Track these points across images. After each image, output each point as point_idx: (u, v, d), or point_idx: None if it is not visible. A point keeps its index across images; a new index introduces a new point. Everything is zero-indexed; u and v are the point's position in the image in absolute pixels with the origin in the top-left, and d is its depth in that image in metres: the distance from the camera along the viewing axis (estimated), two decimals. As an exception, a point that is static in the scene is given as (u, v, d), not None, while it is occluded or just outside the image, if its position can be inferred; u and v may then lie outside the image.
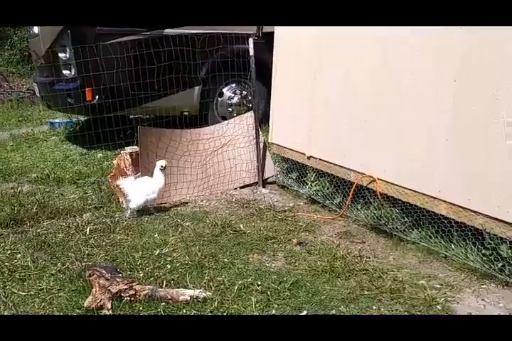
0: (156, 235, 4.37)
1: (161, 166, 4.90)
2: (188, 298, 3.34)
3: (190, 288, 3.48)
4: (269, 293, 3.47)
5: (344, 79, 4.67)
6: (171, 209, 5.04)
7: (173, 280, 3.62)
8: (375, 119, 4.37)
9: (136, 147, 5.21)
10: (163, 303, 3.28)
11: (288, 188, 5.62)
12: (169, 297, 3.33)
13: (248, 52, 5.66)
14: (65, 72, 6.91)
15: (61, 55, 6.86)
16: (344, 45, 4.64)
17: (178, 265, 3.85)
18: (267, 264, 3.95)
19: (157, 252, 4.04)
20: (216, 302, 3.32)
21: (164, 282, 3.57)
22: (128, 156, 5.12)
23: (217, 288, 3.51)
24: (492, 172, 3.53)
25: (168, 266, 3.80)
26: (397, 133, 4.18)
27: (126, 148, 5.28)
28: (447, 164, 3.81)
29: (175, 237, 4.32)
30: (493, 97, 3.46)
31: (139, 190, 4.79)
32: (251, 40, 5.62)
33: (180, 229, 4.50)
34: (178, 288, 3.49)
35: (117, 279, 3.37)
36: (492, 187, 3.53)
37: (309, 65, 5.06)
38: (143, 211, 4.88)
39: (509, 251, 3.48)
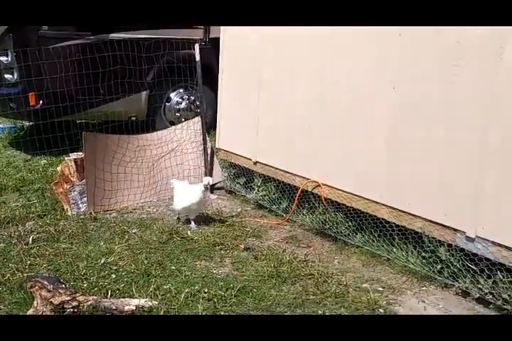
0: (102, 243, 4.27)
1: (205, 184, 4.83)
2: (134, 307, 3.26)
3: (136, 298, 3.40)
4: (215, 300, 3.43)
5: (288, 83, 4.69)
6: (117, 217, 4.93)
7: (118, 289, 3.53)
8: (317, 125, 4.40)
9: (81, 153, 5.07)
10: (108, 314, 3.19)
11: (236, 194, 5.59)
12: (114, 307, 3.25)
13: (195, 57, 5.61)
14: (7, 76, 6.65)
15: (2, 58, 6.61)
16: (287, 46, 4.66)
17: (123, 274, 3.76)
18: (214, 271, 3.91)
19: (102, 261, 3.93)
20: (162, 312, 3.26)
21: (109, 292, 3.47)
22: (72, 163, 4.97)
23: (163, 297, 3.45)
24: (429, 177, 3.61)
25: (114, 276, 3.71)
26: (340, 139, 4.23)
27: (70, 154, 5.13)
28: (387, 170, 3.88)
29: (121, 245, 4.22)
30: (429, 102, 3.55)
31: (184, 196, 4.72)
32: (197, 46, 5.57)
33: (126, 237, 4.40)
34: (124, 297, 3.41)
35: (60, 290, 3.26)
36: (430, 191, 3.61)
37: (253, 69, 5.06)
38: (87, 219, 4.76)
39: (447, 253, 3.57)
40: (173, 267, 3.90)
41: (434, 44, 3.50)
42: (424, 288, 3.68)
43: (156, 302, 3.36)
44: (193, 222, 4.68)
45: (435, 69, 3.51)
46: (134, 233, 4.50)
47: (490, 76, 3.22)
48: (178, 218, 4.85)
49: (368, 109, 3.98)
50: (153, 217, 4.93)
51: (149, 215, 5.01)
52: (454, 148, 3.44)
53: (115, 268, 3.84)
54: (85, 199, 4.96)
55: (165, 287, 3.58)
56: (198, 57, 5.55)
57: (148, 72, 6.99)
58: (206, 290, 3.53)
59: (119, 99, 6.75)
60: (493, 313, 3.36)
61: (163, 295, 3.47)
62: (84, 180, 4.94)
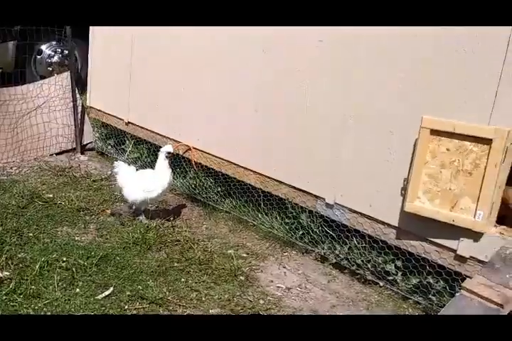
0: (-50, 209, 3.89)
1: (167, 153, 3.91)
2: (-19, 279, 3.01)
3: (-14, 269, 3.14)
4: (74, 269, 3.26)
5: (160, 39, 4.44)
6: (-28, 179, 4.52)
7: (-37, 260, 3.24)
8: (190, 88, 4.24)
9: None
10: None
11: (107, 156, 5.34)
12: (-44, 281, 2.98)
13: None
14: None
15: None
16: None
17: (-27, 242, 3.46)
18: (77, 238, 3.71)
19: (-51, 228, 3.60)
20: (13, 283, 3.03)
21: (-48, 264, 3.18)
22: None
23: (16, 267, 3.21)
24: (292, 144, 3.61)
25: (-41, 245, 3.40)
26: (209, 103, 4.11)
27: None
28: (252, 135, 3.84)
29: (-27, 210, 3.88)
30: (295, 70, 3.52)
31: (138, 185, 3.90)
32: (66, -4, 5.08)
33: (-20, 201, 4.05)
34: (-29, 269, 3.14)
35: None
36: (294, 158, 3.62)
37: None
38: None
39: (308, 220, 3.63)
40: (31, 234, 3.65)
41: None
42: (286, 254, 3.74)
43: (8, 273, 3.12)
44: (143, 214, 4.02)
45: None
46: (-10, 197, 4.15)
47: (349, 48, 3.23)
48: (131, 207, 4.14)
49: (235, 75, 3.87)
50: (14, 179, 4.57)
51: (10, 177, 4.64)
52: (313, 115, 3.46)
53: (-37, 236, 3.52)
54: None
55: (19, 256, 3.34)
56: (67, 8, 5.07)
57: (16, 20, 6.35)
58: (65, 259, 3.35)
59: (-19, 47, 6.11)
60: (347, 278, 3.48)
61: (16, 265, 3.24)
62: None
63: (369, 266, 3.35)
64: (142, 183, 3.91)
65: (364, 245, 3.36)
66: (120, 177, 3.99)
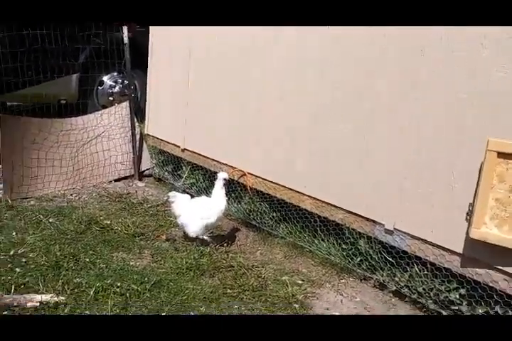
0: (14, 233, 3.97)
1: (224, 179, 3.95)
2: (37, 303, 3.03)
3: (43, 293, 3.16)
4: (128, 294, 3.24)
5: (217, 70, 4.48)
6: (35, 205, 4.62)
7: (24, 284, 3.27)
8: (245, 113, 4.23)
9: (-2, 138, 4.72)
10: (6, 312, 2.94)
11: (164, 182, 5.38)
12: (15, 304, 3.00)
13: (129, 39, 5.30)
14: None
15: None
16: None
17: (32, 267, 3.50)
18: (132, 263, 3.71)
19: (11, 252, 3.66)
20: (69, 307, 3.04)
21: (13, 287, 3.21)
22: (-11, 148, 4.63)
23: (72, 292, 3.22)
24: (349, 171, 3.51)
25: (18, 269, 3.43)
26: (265, 130, 4.08)
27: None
28: (309, 160, 3.77)
29: (34, 235, 3.95)
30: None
31: (195, 214, 3.91)
32: (125, 28, 5.24)
33: (41, 226, 4.12)
34: (29, 293, 3.16)
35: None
36: (350, 183, 3.52)
37: (184, 49, 4.81)
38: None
39: (366, 246, 3.49)
40: (87, 259, 3.66)
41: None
42: (343, 281, 3.61)
43: (63, 298, 3.13)
44: (204, 239, 3.98)
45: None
46: (50, 222, 4.21)
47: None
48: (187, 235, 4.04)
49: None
50: (74, 206, 4.65)
51: (70, 204, 4.72)
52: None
53: (24, 260, 3.57)
54: (1, 186, 4.63)
55: (75, 281, 3.35)
56: (126, 39, 5.22)
57: (80, 53, 6.62)
58: (119, 284, 3.33)
59: (49, 80, 6.35)
60: (408, 306, 3.30)
61: (72, 289, 3.24)
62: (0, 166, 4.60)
63: (431, 294, 3.16)
64: (199, 211, 3.91)
65: (426, 272, 3.18)
66: (176, 206, 4.00)
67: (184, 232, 4.05)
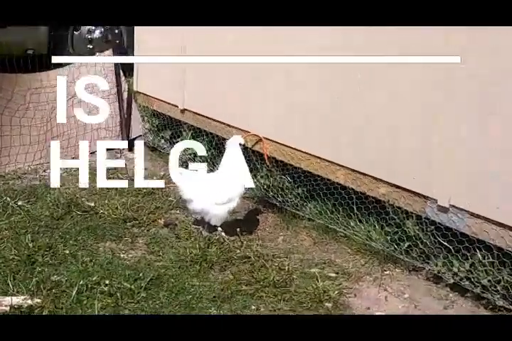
0: (-25, 222, 4.10)
1: (240, 145, 3.98)
2: (7, 308, 3.13)
3: (14, 294, 3.26)
4: (119, 294, 3.33)
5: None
6: None
7: (-11, 284, 3.40)
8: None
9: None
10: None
11: (160, 151, 5.47)
12: (-22, 309, 3.12)
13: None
14: None
15: None
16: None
17: (-1, 262, 3.63)
18: (122, 255, 3.83)
19: (-28, 246, 3.79)
20: (46, 312, 3.14)
21: (-24, 288, 3.34)
22: None
23: (49, 292, 3.32)
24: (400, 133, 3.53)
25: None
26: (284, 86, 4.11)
27: None
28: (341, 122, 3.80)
29: (1, 223, 4.06)
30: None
31: (214, 198, 3.92)
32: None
33: (9, 212, 4.24)
34: (-4, 295, 3.28)
35: None
36: (393, 149, 3.54)
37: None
38: None
39: (416, 228, 3.52)
40: (67, 251, 3.78)
41: None
42: (387, 273, 3.67)
43: (39, 300, 3.23)
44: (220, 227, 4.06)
45: None
46: (20, 206, 4.33)
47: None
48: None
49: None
50: (48, 184, 4.73)
51: (43, 182, 4.84)
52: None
53: (-12, 254, 3.70)
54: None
55: (53, 279, 3.46)
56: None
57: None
58: (108, 282, 3.43)
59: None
60: (469, 303, 3.35)
61: (49, 289, 3.34)
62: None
63: (499, 287, 3.19)
64: (217, 193, 3.94)
65: (491, 260, 3.20)
66: (185, 187, 4.02)
67: (190, 217, 4.11)
